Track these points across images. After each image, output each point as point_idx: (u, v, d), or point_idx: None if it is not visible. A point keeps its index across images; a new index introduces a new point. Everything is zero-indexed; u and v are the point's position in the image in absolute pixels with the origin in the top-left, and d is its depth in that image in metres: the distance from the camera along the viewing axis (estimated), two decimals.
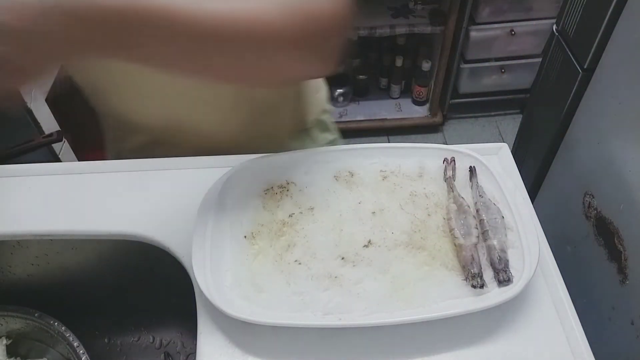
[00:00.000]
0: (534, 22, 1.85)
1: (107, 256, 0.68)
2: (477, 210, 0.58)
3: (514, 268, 0.53)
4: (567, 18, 0.98)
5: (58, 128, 1.23)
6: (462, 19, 1.82)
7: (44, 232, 0.65)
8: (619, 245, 0.81)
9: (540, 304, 0.56)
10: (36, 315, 0.67)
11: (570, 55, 0.96)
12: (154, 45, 0.40)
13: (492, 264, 0.54)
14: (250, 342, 0.53)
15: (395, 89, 2.18)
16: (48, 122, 1.22)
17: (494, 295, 0.52)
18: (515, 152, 1.25)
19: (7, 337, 0.70)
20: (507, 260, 0.54)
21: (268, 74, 0.48)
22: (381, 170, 0.64)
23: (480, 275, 0.53)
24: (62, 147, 1.27)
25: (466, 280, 0.53)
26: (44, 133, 1.19)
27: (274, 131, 0.73)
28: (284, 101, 0.73)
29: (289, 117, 0.75)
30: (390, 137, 2.16)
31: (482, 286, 0.52)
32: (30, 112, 1.15)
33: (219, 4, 0.40)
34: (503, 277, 0.52)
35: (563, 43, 1.00)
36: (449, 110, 2.14)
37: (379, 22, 1.89)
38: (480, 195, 0.60)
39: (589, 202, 0.89)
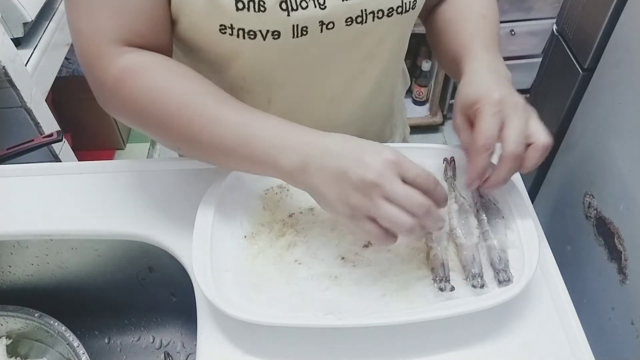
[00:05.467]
0: (534, 22, 1.85)
1: (107, 256, 0.68)
2: (477, 210, 0.58)
3: (514, 268, 0.53)
4: (567, 18, 0.98)
5: (58, 128, 1.23)
6: None
7: (44, 232, 0.65)
8: (619, 245, 0.80)
9: (540, 304, 0.56)
10: (36, 315, 0.67)
11: (570, 55, 0.96)
12: None
13: (492, 264, 0.54)
14: (250, 342, 0.53)
15: None
16: (48, 122, 1.21)
17: (494, 295, 0.52)
18: None
19: (7, 337, 0.70)
20: (507, 260, 0.54)
21: None
22: None
23: (480, 275, 0.53)
24: (62, 147, 1.27)
25: (466, 280, 0.53)
26: (44, 133, 1.19)
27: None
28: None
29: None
30: None
31: (482, 286, 0.52)
32: (30, 112, 1.14)
33: None
34: (503, 277, 0.52)
35: (563, 43, 1.00)
36: (449, 110, 2.14)
37: None
38: (480, 196, 0.60)
39: (589, 202, 0.89)
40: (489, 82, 0.55)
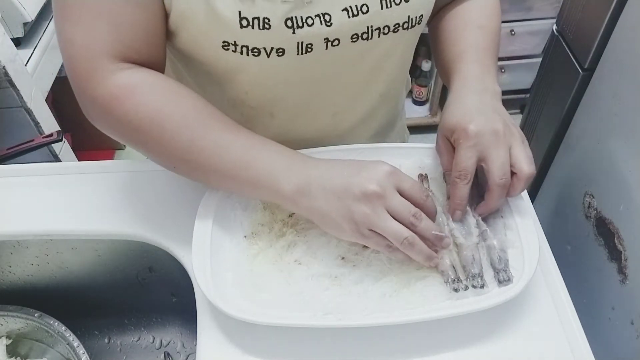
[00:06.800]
0: (534, 22, 1.85)
1: (107, 256, 0.68)
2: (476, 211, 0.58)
3: (514, 268, 0.53)
4: (567, 18, 0.98)
5: (58, 128, 1.23)
6: None
7: (44, 232, 0.65)
8: (619, 245, 0.81)
9: (540, 304, 0.56)
10: (36, 315, 0.67)
11: (570, 55, 0.96)
12: None
13: (492, 264, 0.54)
14: (250, 342, 0.53)
15: None
16: (48, 122, 1.21)
17: (494, 295, 0.52)
18: None
19: (7, 337, 0.70)
20: (507, 260, 0.54)
21: None
22: None
23: (480, 275, 0.53)
24: (62, 147, 1.27)
25: (466, 280, 0.53)
26: (44, 133, 1.19)
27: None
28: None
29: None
30: None
31: (482, 286, 0.52)
32: (30, 112, 1.15)
33: None
34: (503, 277, 0.52)
35: (563, 43, 1.00)
36: None
37: None
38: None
39: (589, 202, 0.89)
40: (469, 108, 0.55)
